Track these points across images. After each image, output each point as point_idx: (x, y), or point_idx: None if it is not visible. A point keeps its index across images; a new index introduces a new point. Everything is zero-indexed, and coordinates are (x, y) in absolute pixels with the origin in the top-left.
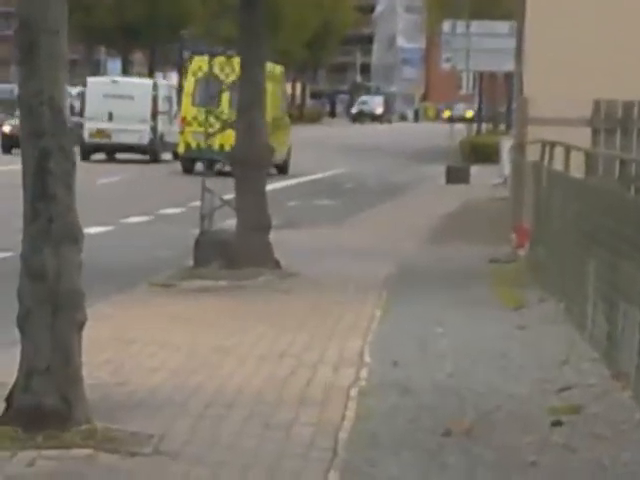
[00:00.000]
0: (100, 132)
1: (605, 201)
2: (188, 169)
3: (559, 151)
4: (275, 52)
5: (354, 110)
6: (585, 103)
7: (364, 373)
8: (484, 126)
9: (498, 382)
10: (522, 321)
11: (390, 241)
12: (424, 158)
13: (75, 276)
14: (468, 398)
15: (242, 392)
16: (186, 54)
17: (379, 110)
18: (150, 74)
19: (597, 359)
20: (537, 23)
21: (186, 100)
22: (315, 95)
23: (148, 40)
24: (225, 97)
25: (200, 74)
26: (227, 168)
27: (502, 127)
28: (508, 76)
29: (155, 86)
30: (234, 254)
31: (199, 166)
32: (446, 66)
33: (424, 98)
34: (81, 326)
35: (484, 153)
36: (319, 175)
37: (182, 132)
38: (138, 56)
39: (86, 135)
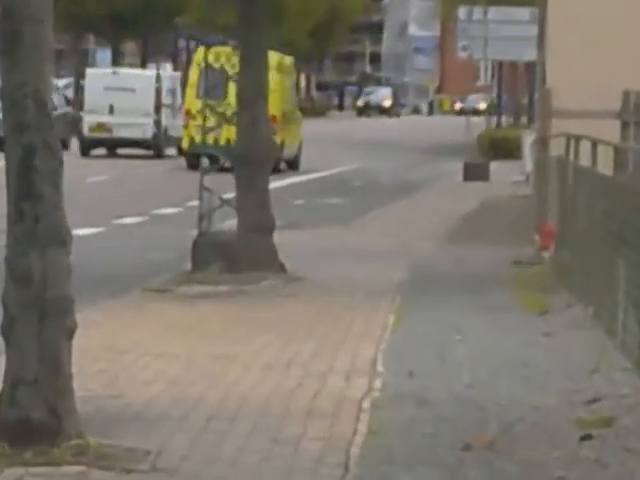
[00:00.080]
0: (101, 126)
1: (635, 199)
2: (193, 165)
3: (585, 146)
4: (278, 41)
5: (360, 103)
6: (613, 94)
7: (377, 384)
8: (504, 119)
9: (521, 393)
10: (547, 327)
11: (403, 242)
12: (439, 154)
13: (63, 281)
14: (489, 410)
15: (246, 404)
16: (182, 43)
17: (387, 103)
18: (142, 65)
19: (629, 368)
20: (560, 9)
21: (190, 92)
22: (321, 87)
23: (140, 29)
24: (232, 89)
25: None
26: (227, 164)
27: (524, 120)
28: (529, 66)
29: (158, 78)
30: (235, 257)
31: (205, 162)
32: (462, 55)
33: (439, 90)
34: (71, 334)
35: (504, 148)
36: (326, 172)
37: (186, 126)
38: (129, 46)
39: (86, 129)
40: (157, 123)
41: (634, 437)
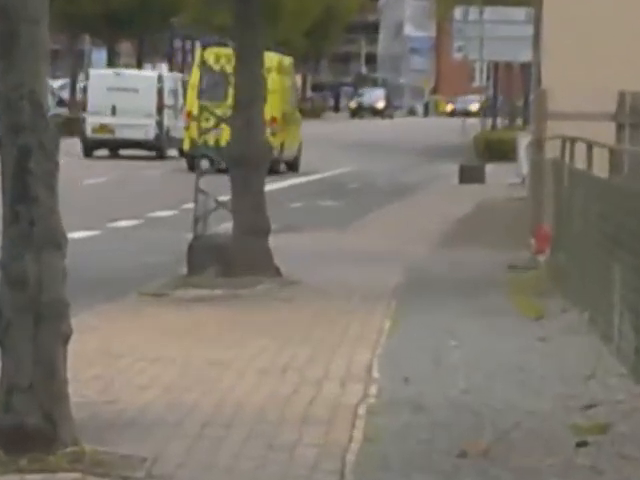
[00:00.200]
0: (103, 127)
1: (631, 202)
2: (193, 166)
3: (581, 148)
4: (274, 41)
5: (352, 104)
6: (609, 96)
7: (373, 389)
8: (499, 121)
9: (517, 398)
10: (543, 332)
11: (399, 245)
12: (435, 156)
13: (59, 284)
14: (485, 416)
15: (241, 410)
16: (178, 43)
17: (380, 104)
18: (138, 65)
19: (625, 374)
20: (556, 9)
21: (191, 93)
22: (316, 87)
23: (136, 29)
24: (233, 91)
25: (206, 66)
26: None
27: (519, 122)
28: (525, 67)
29: (160, 78)
30: (231, 260)
31: (205, 164)
32: (458, 56)
33: (434, 91)
34: (66, 339)
35: (500, 150)
36: (322, 174)
37: (187, 127)
38: (125, 46)
39: (89, 130)
40: (159, 124)
41: (630, 444)
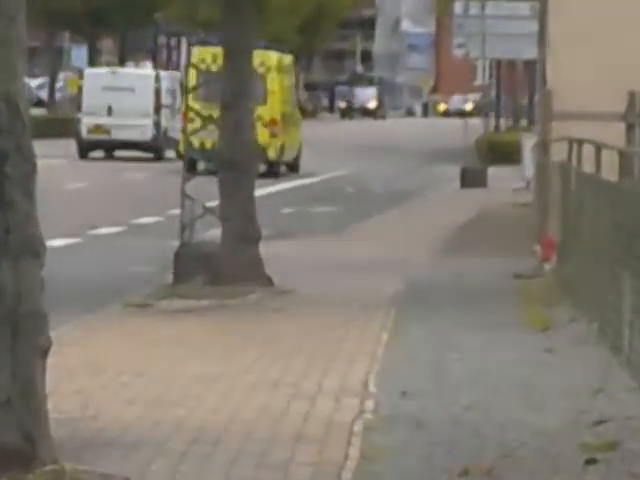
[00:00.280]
0: (99, 128)
1: None
2: (190, 168)
3: (588, 150)
4: (264, 38)
5: (342, 104)
6: (618, 95)
7: (369, 405)
8: (502, 121)
9: (522, 414)
10: (550, 344)
11: (398, 253)
12: (435, 158)
13: (36, 295)
14: (488, 433)
15: (230, 427)
16: (162, 40)
17: (372, 104)
18: (121, 63)
19: (635, 388)
20: (562, 3)
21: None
22: (309, 87)
23: (118, 25)
24: None
25: (203, 66)
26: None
27: (524, 122)
28: (529, 64)
29: (157, 77)
30: (219, 269)
31: (201, 165)
32: (458, 53)
33: (434, 90)
34: (45, 352)
35: (503, 152)
36: (316, 178)
37: (184, 129)
38: (106, 43)
39: (84, 131)
40: (157, 124)
41: None
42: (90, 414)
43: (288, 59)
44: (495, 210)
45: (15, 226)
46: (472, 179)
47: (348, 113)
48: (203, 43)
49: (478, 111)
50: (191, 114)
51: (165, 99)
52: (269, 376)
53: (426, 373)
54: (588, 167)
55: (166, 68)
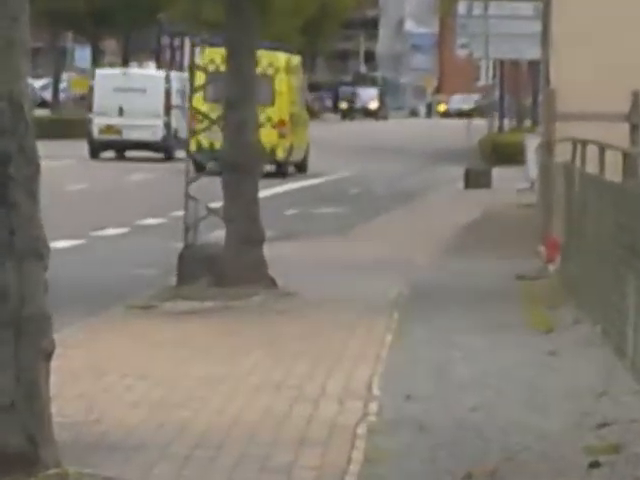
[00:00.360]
0: (110, 128)
1: None
2: (200, 169)
3: (592, 151)
4: (267, 39)
5: (343, 105)
6: (622, 95)
7: (373, 407)
8: (506, 122)
9: (526, 417)
10: (553, 346)
11: (402, 254)
12: (439, 159)
13: (40, 297)
14: (492, 436)
15: (233, 430)
16: (166, 40)
17: (373, 105)
18: (124, 63)
19: (639, 391)
20: (565, 4)
21: (197, 95)
22: (313, 87)
23: (121, 25)
24: None
25: (212, 67)
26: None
27: (527, 123)
28: (533, 65)
29: (168, 78)
30: (223, 271)
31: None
32: (462, 53)
33: (438, 90)
34: (49, 355)
35: (507, 153)
36: (320, 179)
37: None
38: (109, 43)
39: (95, 131)
40: (167, 125)
41: None
42: (94, 417)
43: (296, 60)
44: (499, 211)
45: (19, 228)
46: (476, 180)
47: (349, 114)
48: (207, 44)
49: (479, 112)
50: (197, 115)
51: (175, 100)
52: (273, 378)
53: (430, 375)
54: (592, 168)
55: (169, 69)
